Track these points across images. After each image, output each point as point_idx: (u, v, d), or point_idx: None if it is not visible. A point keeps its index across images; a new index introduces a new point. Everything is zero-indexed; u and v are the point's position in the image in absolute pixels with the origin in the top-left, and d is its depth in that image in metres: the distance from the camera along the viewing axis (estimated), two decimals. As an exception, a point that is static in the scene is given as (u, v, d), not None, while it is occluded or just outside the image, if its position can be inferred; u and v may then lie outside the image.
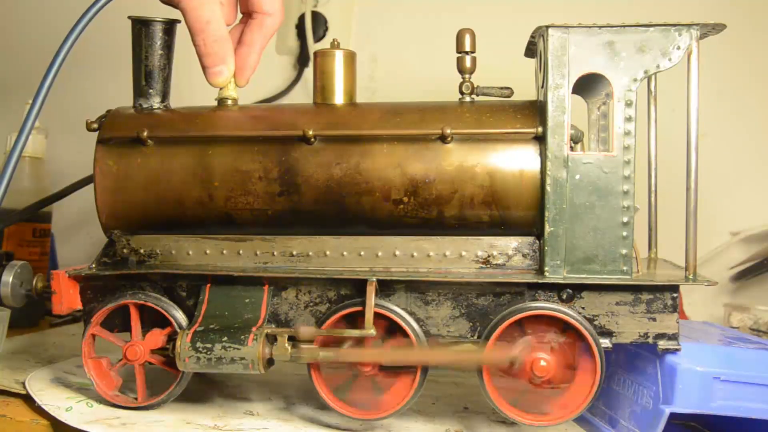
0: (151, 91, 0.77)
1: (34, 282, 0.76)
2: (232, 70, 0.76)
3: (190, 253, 0.74)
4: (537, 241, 0.70)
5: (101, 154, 0.75)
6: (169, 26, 0.77)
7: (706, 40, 0.68)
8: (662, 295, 0.68)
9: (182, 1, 0.73)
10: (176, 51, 0.78)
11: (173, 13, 0.76)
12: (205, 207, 0.73)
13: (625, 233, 0.67)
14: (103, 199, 0.75)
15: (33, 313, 1.10)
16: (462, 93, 0.74)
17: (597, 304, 0.68)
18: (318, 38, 1.28)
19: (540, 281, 0.68)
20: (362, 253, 0.72)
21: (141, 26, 0.76)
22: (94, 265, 0.75)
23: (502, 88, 0.74)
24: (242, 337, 0.68)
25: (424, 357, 0.69)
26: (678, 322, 0.68)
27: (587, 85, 0.72)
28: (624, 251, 0.67)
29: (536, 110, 0.71)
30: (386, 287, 0.70)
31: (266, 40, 0.79)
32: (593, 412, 0.75)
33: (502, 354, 0.67)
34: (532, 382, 0.68)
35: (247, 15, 0.79)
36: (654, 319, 0.68)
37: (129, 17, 0.76)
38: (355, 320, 0.69)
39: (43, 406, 0.70)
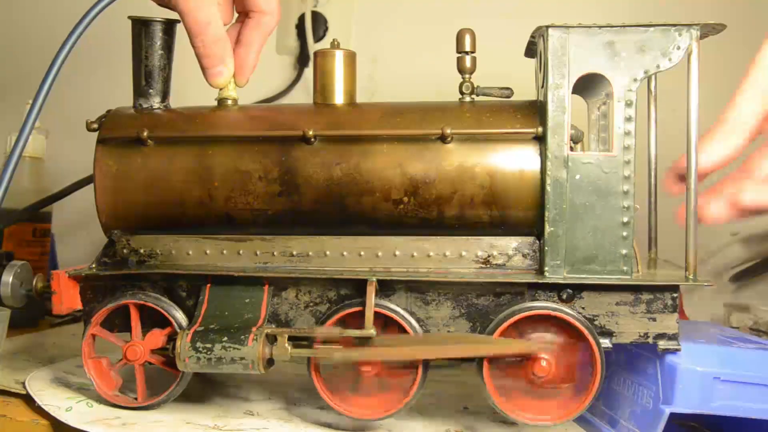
0: (151, 91, 0.77)
1: (34, 282, 0.75)
2: (231, 71, 0.76)
3: (190, 253, 0.74)
4: (537, 241, 0.70)
5: (101, 154, 0.75)
6: (169, 26, 0.76)
7: (706, 40, 0.68)
8: (662, 295, 0.68)
9: (180, 4, 0.73)
10: (176, 51, 0.78)
11: (173, 13, 0.75)
12: (205, 207, 0.73)
13: (625, 233, 0.67)
14: (103, 199, 0.75)
15: (33, 313, 1.10)
16: (462, 93, 0.74)
17: (597, 304, 0.68)
18: (318, 38, 1.28)
19: (540, 281, 0.68)
20: (362, 253, 0.72)
21: (141, 26, 0.76)
22: (94, 265, 0.75)
23: (502, 88, 0.74)
24: (242, 337, 0.68)
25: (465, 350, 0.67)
26: (678, 322, 0.67)
27: (587, 85, 0.72)
28: (624, 251, 0.67)
29: (536, 110, 0.71)
30: (386, 287, 0.70)
31: (264, 39, 0.79)
32: (593, 412, 0.75)
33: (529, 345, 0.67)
34: (532, 383, 0.68)
35: (244, 14, 0.79)
36: (654, 319, 0.68)
37: (129, 17, 0.76)
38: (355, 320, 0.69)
39: (43, 406, 0.70)
